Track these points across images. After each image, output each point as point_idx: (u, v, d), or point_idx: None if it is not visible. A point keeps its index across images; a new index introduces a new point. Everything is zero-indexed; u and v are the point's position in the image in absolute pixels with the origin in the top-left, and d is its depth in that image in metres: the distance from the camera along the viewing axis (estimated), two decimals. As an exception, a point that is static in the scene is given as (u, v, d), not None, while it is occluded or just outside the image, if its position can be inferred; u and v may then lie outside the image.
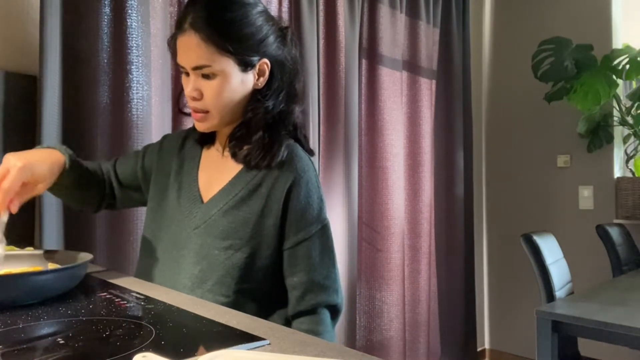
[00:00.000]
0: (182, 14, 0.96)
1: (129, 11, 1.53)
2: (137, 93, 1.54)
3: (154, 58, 1.61)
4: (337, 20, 2.22)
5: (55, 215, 1.40)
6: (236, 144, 1.02)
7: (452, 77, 2.88)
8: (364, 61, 2.43)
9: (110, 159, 1.21)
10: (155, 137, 1.55)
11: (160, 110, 1.63)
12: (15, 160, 0.88)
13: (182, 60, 0.96)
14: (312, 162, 1.05)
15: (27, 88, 1.42)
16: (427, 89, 2.74)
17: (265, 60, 0.99)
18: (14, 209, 0.87)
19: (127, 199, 1.18)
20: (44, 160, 0.94)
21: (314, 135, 2.11)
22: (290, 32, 1.05)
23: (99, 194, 1.14)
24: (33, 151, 0.96)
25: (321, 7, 2.20)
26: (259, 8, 0.99)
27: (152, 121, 1.59)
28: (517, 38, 3.18)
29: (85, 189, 1.09)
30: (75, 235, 1.45)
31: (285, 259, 0.99)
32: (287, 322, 0.99)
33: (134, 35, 1.53)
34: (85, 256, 0.92)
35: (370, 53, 2.44)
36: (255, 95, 1.01)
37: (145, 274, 1.05)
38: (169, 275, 1.00)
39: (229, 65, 0.95)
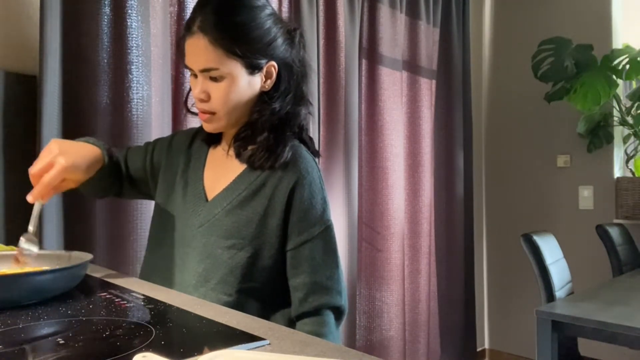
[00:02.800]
0: (191, 16, 0.96)
1: (129, 11, 1.53)
2: (137, 93, 1.54)
3: (154, 58, 1.61)
4: (337, 20, 2.22)
5: (55, 215, 1.40)
6: (241, 144, 1.02)
7: (452, 77, 2.88)
8: (364, 61, 2.43)
9: (122, 149, 1.21)
10: (155, 137, 1.55)
11: (160, 110, 1.63)
12: (61, 158, 0.92)
13: (190, 62, 0.97)
14: (317, 164, 1.05)
15: (27, 88, 1.42)
16: (427, 89, 2.74)
17: (273, 62, 1.00)
18: (46, 200, 0.93)
19: (133, 191, 1.19)
20: (86, 160, 0.98)
21: (314, 136, 2.11)
22: (298, 34, 1.05)
23: (114, 184, 1.15)
24: (78, 147, 0.99)
25: (321, 7, 2.20)
26: (268, 10, 0.99)
27: (152, 121, 1.59)
28: (517, 38, 3.18)
29: (106, 180, 1.11)
30: (75, 235, 1.45)
31: (288, 260, 0.99)
32: (291, 323, 0.99)
33: (134, 35, 1.53)
34: (85, 256, 0.92)
35: (370, 53, 2.44)
36: (262, 97, 1.01)
37: (152, 270, 1.06)
38: (174, 272, 1.01)
39: (237, 68, 0.95)
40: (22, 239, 0.92)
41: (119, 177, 1.16)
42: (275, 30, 0.99)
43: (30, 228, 0.92)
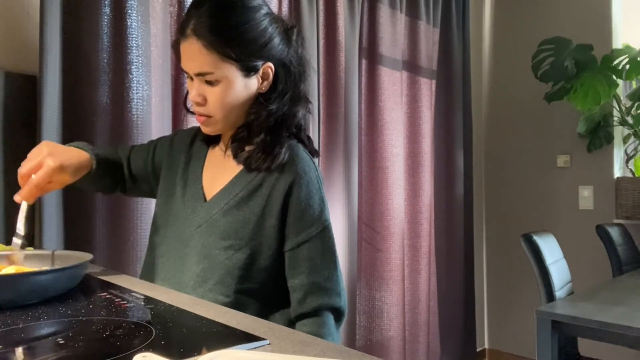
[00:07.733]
0: (184, 19, 0.95)
1: (129, 11, 1.53)
2: (137, 93, 1.54)
3: (154, 58, 1.60)
4: (337, 20, 2.21)
5: (55, 215, 1.40)
6: (238, 145, 1.02)
7: (452, 77, 2.88)
8: (364, 61, 2.43)
9: (126, 146, 1.22)
10: (155, 137, 1.55)
11: (160, 110, 1.63)
12: (50, 159, 0.93)
13: (185, 66, 0.97)
14: (314, 164, 1.05)
15: (27, 88, 1.42)
16: (427, 89, 2.74)
17: (269, 64, 0.99)
18: (31, 201, 0.94)
19: (136, 189, 1.20)
20: (73, 163, 0.99)
21: (314, 135, 2.11)
22: (295, 32, 1.03)
23: (114, 183, 1.16)
24: (67, 150, 1.00)
25: (321, 7, 2.20)
26: (264, 10, 0.98)
27: (152, 121, 1.59)
28: (517, 38, 3.17)
29: (101, 182, 1.12)
30: (75, 235, 1.45)
31: (286, 261, 0.99)
32: (290, 323, 0.99)
33: (134, 35, 1.53)
34: (85, 256, 0.92)
35: (370, 53, 2.44)
36: (259, 99, 1.00)
37: (152, 271, 1.06)
38: (173, 272, 1.01)
39: (232, 71, 0.95)
40: (13, 240, 0.94)
41: (121, 176, 1.17)
42: (272, 31, 0.98)
43: (19, 229, 0.94)
